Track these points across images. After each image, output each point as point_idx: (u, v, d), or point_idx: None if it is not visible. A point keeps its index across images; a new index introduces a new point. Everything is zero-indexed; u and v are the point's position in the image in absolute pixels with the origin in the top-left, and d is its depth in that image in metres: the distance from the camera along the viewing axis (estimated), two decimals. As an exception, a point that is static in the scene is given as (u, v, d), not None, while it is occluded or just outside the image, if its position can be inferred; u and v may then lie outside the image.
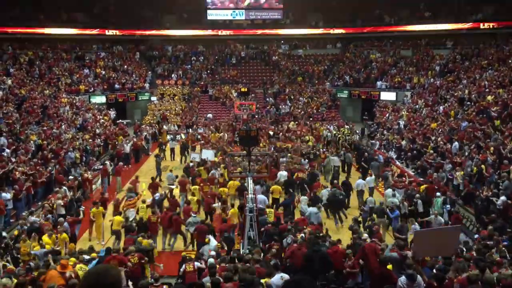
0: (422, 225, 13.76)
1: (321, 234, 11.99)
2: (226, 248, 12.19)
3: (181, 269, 10.33)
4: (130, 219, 14.15)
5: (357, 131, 28.66)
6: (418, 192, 16.03)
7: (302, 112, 33.67)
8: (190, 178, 18.60)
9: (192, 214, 13.92)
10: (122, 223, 13.67)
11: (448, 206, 14.87)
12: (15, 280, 8.52)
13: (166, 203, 15.90)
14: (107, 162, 21.35)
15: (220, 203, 15.81)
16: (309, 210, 14.62)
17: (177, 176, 18.96)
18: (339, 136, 25.66)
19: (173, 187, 17.75)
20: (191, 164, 20.77)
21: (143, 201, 15.65)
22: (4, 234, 12.62)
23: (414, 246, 7.59)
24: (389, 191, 16.07)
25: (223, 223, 13.74)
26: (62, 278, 8.69)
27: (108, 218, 14.76)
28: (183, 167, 20.84)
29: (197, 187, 16.90)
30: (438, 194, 15.35)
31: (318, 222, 14.21)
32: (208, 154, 21.14)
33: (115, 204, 15.46)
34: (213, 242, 12.04)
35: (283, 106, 35.32)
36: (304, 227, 12.84)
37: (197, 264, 10.29)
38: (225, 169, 19.29)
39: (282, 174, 18.15)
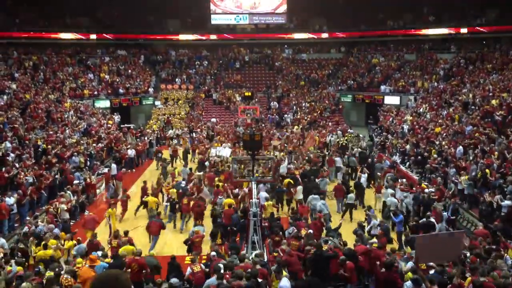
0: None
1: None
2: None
3: (187, 273, 10.33)
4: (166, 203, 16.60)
5: (362, 136, 28.42)
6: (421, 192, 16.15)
7: (309, 118, 33.46)
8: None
9: (219, 196, 16.05)
10: (156, 202, 16.09)
11: (445, 213, 14.75)
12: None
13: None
14: (114, 165, 21.52)
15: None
16: (318, 203, 15.49)
17: (190, 169, 20.62)
18: (342, 142, 25.54)
19: (201, 173, 19.45)
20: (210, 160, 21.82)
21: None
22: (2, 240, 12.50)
23: (417, 252, 7.52)
24: (387, 190, 16.40)
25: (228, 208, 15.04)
26: (93, 271, 9.28)
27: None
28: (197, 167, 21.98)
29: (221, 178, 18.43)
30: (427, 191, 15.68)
31: (327, 210, 15.31)
32: (225, 152, 22.20)
33: (153, 192, 17.11)
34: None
35: (288, 114, 35.12)
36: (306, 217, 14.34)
37: (202, 265, 10.41)
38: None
39: (283, 166, 20.15)
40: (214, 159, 21.87)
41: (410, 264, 9.05)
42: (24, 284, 8.56)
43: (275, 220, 13.95)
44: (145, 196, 16.73)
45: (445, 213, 14.68)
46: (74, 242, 12.32)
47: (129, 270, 9.73)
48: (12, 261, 10.46)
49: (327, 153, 23.89)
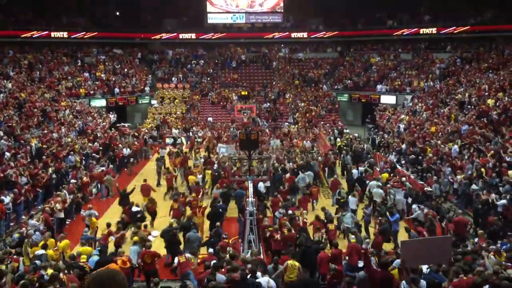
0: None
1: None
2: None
3: (175, 262, 11.02)
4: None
5: (358, 136, 28.43)
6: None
7: (306, 118, 33.39)
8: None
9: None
10: (195, 180, 18.23)
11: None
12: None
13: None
14: (109, 163, 21.54)
15: None
16: (301, 176, 18.09)
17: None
18: (340, 143, 25.55)
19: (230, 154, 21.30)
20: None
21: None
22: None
23: (402, 255, 7.56)
24: (374, 182, 16.87)
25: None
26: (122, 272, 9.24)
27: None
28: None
29: None
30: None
31: (305, 183, 17.85)
32: (224, 149, 22.59)
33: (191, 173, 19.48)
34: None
35: (289, 118, 34.61)
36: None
37: (188, 255, 10.98)
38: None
39: (276, 143, 23.94)
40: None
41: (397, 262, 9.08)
42: (23, 280, 8.62)
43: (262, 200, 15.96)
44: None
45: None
46: (68, 242, 12.24)
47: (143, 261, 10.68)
48: (20, 258, 10.49)
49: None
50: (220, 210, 14.78)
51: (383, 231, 12.65)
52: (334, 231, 13.18)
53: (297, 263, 9.81)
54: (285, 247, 11.42)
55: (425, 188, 16.83)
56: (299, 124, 32.26)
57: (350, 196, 16.07)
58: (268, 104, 36.38)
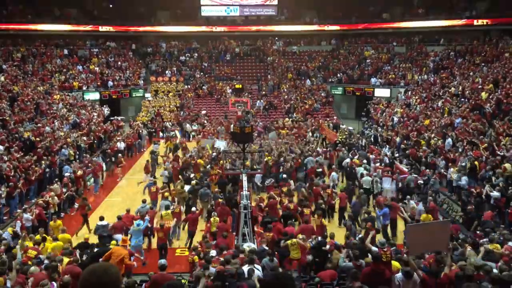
0: None
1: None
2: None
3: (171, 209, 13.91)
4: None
5: (352, 129, 28.51)
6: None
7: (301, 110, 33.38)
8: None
9: None
10: (206, 163, 19.87)
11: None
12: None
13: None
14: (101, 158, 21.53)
15: None
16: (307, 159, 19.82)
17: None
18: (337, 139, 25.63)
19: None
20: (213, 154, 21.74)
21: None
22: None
23: (408, 241, 7.54)
24: (360, 168, 17.69)
25: None
26: (126, 249, 10.21)
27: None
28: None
29: None
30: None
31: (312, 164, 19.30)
32: (220, 144, 22.56)
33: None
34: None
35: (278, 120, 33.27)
36: None
37: (182, 208, 14.63)
38: None
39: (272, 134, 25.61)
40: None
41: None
42: (32, 268, 8.74)
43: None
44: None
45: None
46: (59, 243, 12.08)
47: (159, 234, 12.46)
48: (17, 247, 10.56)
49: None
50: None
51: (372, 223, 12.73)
52: (331, 195, 15.55)
53: (295, 239, 10.53)
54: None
55: (418, 181, 16.93)
56: (295, 118, 32.17)
57: (333, 173, 18.33)
58: (262, 102, 35.93)
